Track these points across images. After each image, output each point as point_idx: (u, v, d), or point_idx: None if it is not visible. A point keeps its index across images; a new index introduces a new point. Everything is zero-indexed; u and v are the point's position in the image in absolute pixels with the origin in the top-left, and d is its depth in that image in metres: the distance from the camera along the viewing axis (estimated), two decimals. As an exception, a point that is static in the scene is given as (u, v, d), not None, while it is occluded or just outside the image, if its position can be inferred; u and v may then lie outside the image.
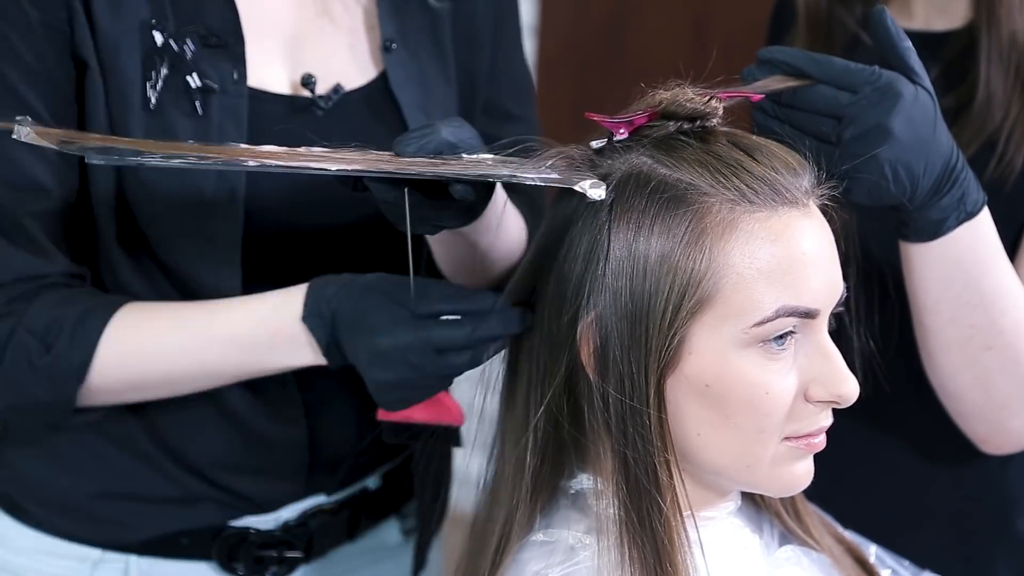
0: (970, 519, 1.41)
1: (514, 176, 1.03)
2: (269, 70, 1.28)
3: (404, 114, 1.30)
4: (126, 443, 1.33)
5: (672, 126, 1.05)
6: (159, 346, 1.23)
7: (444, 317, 1.15)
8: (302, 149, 1.11)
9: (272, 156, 1.08)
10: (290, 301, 1.20)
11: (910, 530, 1.36)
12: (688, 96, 1.04)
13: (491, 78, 1.40)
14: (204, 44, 1.24)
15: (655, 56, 2.75)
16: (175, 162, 1.06)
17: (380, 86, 1.32)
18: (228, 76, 1.24)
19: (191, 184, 1.22)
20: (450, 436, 1.27)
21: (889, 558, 1.25)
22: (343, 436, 1.38)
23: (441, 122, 1.08)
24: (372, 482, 1.43)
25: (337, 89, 1.29)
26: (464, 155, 1.08)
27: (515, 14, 1.44)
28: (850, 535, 1.24)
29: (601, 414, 1.05)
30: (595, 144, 1.07)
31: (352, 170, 1.04)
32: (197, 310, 1.24)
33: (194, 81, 1.23)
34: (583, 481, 1.10)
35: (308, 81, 1.28)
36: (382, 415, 1.21)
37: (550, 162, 1.06)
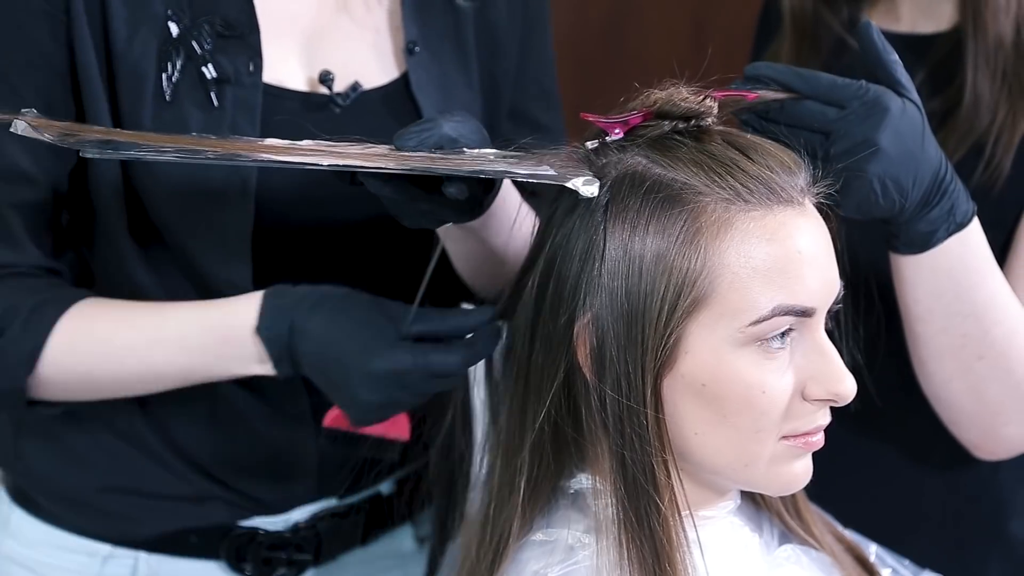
0: (963, 522, 1.41)
1: (507, 172, 1.03)
2: (286, 66, 1.27)
3: (424, 116, 1.29)
4: (135, 439, 1.34)
5: (667, 126, 1.05)
6: (109, 342, 1.23)
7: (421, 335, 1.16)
8: (304, 142, 1.10)
9: (271, 149, 1.08)
10: (242, 310, 1.20)
11: (904, 533, 1.35)
12: (683, 95, 1.05)
13: (519, 85, 1.40)
14: (220, 35, 1.23)
15: (654, 56, 2.74)
16: (168, 156, 1.05)
17: (400, 87, 1.31)
18: (243, 68, 1.24)
19: (201, 175, 1.22)
20: (391, 448, 1.27)
21: (889, 557, 1.25)
22: (351, 438, 1.35)
23: (443, 116, 1.08)
24: (385, 487, 1.42)
25: (355, 87, 1.29)
26: (466, 150, 1.08)
27: (545, 23, 1.43)
28: (850, 534, 1.24)
29: (598, 414, 1.05)
30: (589, 144, 1.07)
31: (344, 165, 1.04)
32: (150, 310, 1.24)
33: (209, 72, 1.23)
34: (582, 481, 1.10)
35: (326, 78, 1.28)
36: (330, 423, 1.21)
37: (546, 158, 1.06)
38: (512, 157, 1.08)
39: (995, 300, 1.21)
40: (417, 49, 1.31)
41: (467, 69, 1.34)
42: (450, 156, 1.05)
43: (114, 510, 1.35)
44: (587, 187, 1.01)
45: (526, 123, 1.41)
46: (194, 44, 1.23)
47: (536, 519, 1.11)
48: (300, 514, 1.37)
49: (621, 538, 1.04)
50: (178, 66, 1.23)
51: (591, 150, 1.07)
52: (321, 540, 1.38)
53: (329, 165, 1.04)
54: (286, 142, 1.11)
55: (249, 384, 1.30)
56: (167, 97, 1.22)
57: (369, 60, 1.31)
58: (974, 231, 1.18)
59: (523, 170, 1.03)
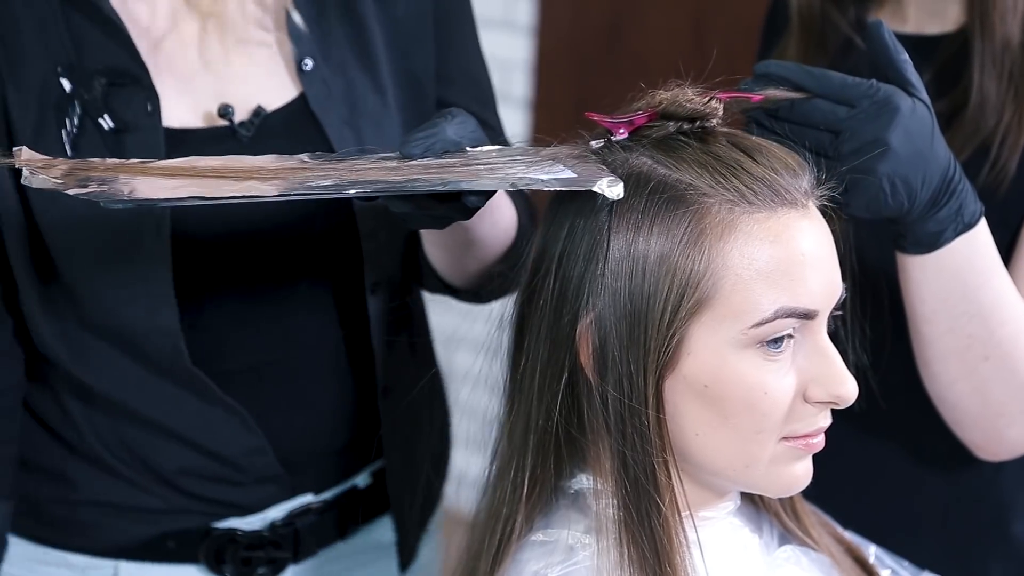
0: (965, 523, 1.41)
1: (534, 180, 1.01)
2: (182, 107, 1.26)
3: (327, 133, 1.29)
4: (94, 459, 1.33)
5: (672, 126, 1.05)
6: None
7: None
8: (307, 161, 1.09)
9: (290, 171, 1.06)
10: None
11: (906, 534, 1.36)
12: (688, 96, 1.04)
13: (444, 79, 1.38)
14: (112, 83, 1.23)
15: (655, 56, 2.75)
16: (194, 202, 1.01)
17: (301, 105, 1.30)
18: (141, 110, 1.23)
19: (110, 218, 1.20)
20: None
21: (888, 558, 1.25)
22: (308, 435, 1.37)
23: (444, 119, 1.08)
24: (361, 480, 1.42)
25: (259, 112, 1.28)
26: (468, 149, 1.07)
27: (464, 14, 1.42)
28: (849, 535, 1.24)
29: (600, 414, 1.05)
30: (594, 144, 1.07)
31: (372, 191, 1.03)
32: None
33: (106, 123, 1.22)
34: (583, 481, 1.10)
35: (225, 112, 1.27)
36: None
37: (562, 158, 1.05)
38: (516, 157, 1.07)
39: (1001, 301, 1.21)
40: (309, 66, 1.29)
41: (375, 74, 1.33)
42: (462, 166, 1.05)
43: (87, 521, 1.34)
44: (612, 189, 1.00)
45: None
46: (87, 97, 1.22)
47: (536, 519, 1.11)
48: (277, 512, 1.37)
49: (621, 538, 1.04)
50: (76, 121, 1.22)
51: (596, 150, 1.06)
52: (299, 536, 1.37)
53: (355, 193, 1.03)
54: (302, 163, 1.10)
55: (190, 412, 1.30)
56: (68, 152, 1.21)
57: (266, 82, 1.30)
58: (981, 232, 1.18)
59: (542, 176, 1.02)
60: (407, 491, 1.43)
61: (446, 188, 1.02)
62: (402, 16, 1.34)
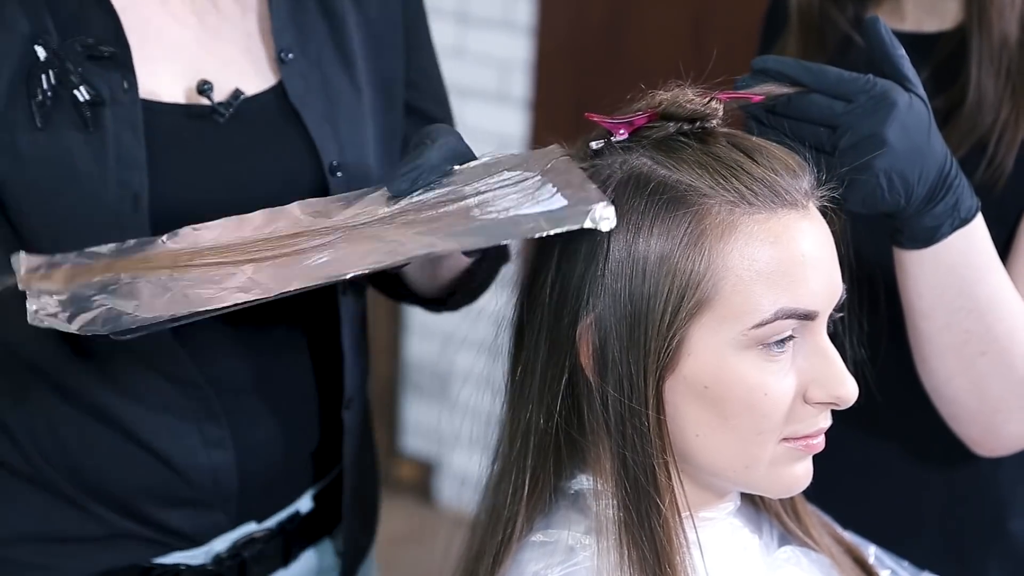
0: (963, 521, 1.41)
1: (532, 229, 1.00)
2: (160, 80, 1.25)
3: (307, 126, 1.28)
4: (40, 482, 1.29)
5: (672, 127, 1.05)
6: None
7: None
8: (301, 218, 1.10)
9: (285, 243, 1.06)
10: None
11: (903, 533, 1.36)
12: (688, 97, 1.05)
13: (411, 83, 1.39)
14: (89, 56, 1.20)
15: (654, 56, 2.75)
16: (202, 316, 1.01)
17: (281, 94, 1.29)
18: (118, 86, 1.21)
19: (87, 192, 1.18)
20: None
21: (888, 559, 1.25)
22: (270, 458, 1.34)
23: (426, 145, 1.07)
24: (304, 505, 1.39)
25: (237, 94, 1.26)
26: (456, 168, 1.07)
27: (424, 16, 1.43)
28: (849, 535, 1.24)
29: (601, 415, 1.05)
30: (594, 145, 1.07)
31: (370, 268, 1.03)
32: None
33: (82, 95, 1.19)
34: (583, 482, 1.10)
35: (204, 88, 1.25)
36: None
37: (551, 175, 1.05)
38: (504, 167, 1.08)
39: (998, 296, 1.21)
40: (290, 57, 1.28)
41: (351, 72, 1.32)
42: (449, 196, 1.04)
43: (24, 560, 1.29)
44: (604, 222, 0.99)
45: (424, 120, 1.40)
46: (63, 66, 1.19)
47: (536, 520, 1.11)
48: (221, 544, 1.33)
49: (622, 539, 1.05)
50: (48, 91, 1.19)
51: (594, 151, 1.07)
52: (246, 568, 1.34)
53: (354, 275, 1.03)
54: (294, 232, 1.11)
55: (166, 413, 1.27)
56: (38, 123, 1.19)
57: (245, 67, 1.29)
58: (978, 227, 1.18)
59: (537, 210, 1.01)
60: (358, 511, 1.42)
61: (442, 251, 1.02)
62: (376, 18, 1.35)
